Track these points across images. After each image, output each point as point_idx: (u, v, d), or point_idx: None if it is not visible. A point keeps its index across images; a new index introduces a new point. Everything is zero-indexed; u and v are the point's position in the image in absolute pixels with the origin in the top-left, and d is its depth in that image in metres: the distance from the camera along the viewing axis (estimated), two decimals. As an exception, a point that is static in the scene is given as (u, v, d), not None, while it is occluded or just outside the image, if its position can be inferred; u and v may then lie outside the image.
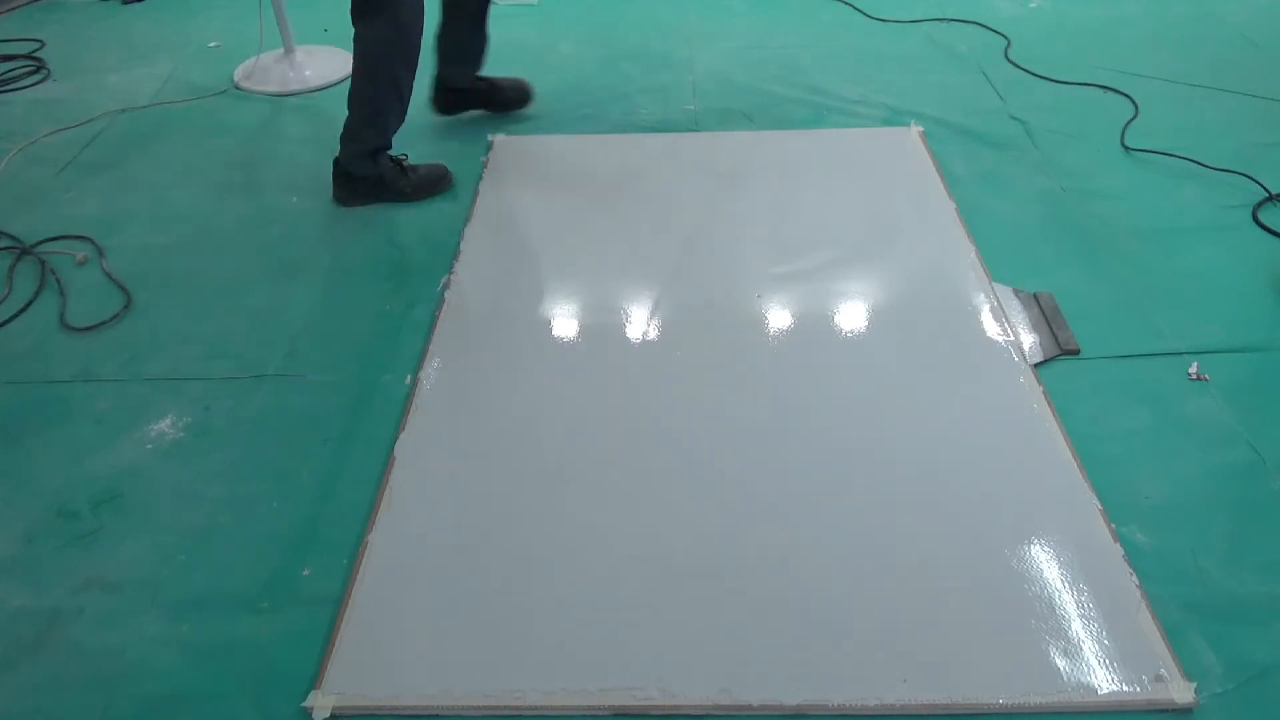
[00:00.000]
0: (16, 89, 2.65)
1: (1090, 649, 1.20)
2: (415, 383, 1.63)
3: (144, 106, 2.55)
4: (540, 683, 1.19)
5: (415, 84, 2.09)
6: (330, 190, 2.13)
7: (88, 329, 1.79)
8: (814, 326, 1.73)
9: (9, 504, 1.46)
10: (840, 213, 2.04)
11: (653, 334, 1.73)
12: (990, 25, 2.83)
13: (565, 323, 1.76)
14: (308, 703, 1.17)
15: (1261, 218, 1.99)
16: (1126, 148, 2.25)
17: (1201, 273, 1.85)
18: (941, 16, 2.91)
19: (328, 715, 1.16)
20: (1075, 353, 1.66)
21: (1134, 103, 2.41)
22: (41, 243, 2.01)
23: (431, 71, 2.33)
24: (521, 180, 2.19)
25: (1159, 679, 1.17)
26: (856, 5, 2.98)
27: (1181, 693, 1.16)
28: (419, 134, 2.39)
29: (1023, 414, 1.54)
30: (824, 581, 1.30)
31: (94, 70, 2.74)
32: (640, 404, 1.59)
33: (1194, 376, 1.62)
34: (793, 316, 1.76)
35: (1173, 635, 1.22)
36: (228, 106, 2.56)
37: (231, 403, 1.62)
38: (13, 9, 3.11)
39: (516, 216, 2.07)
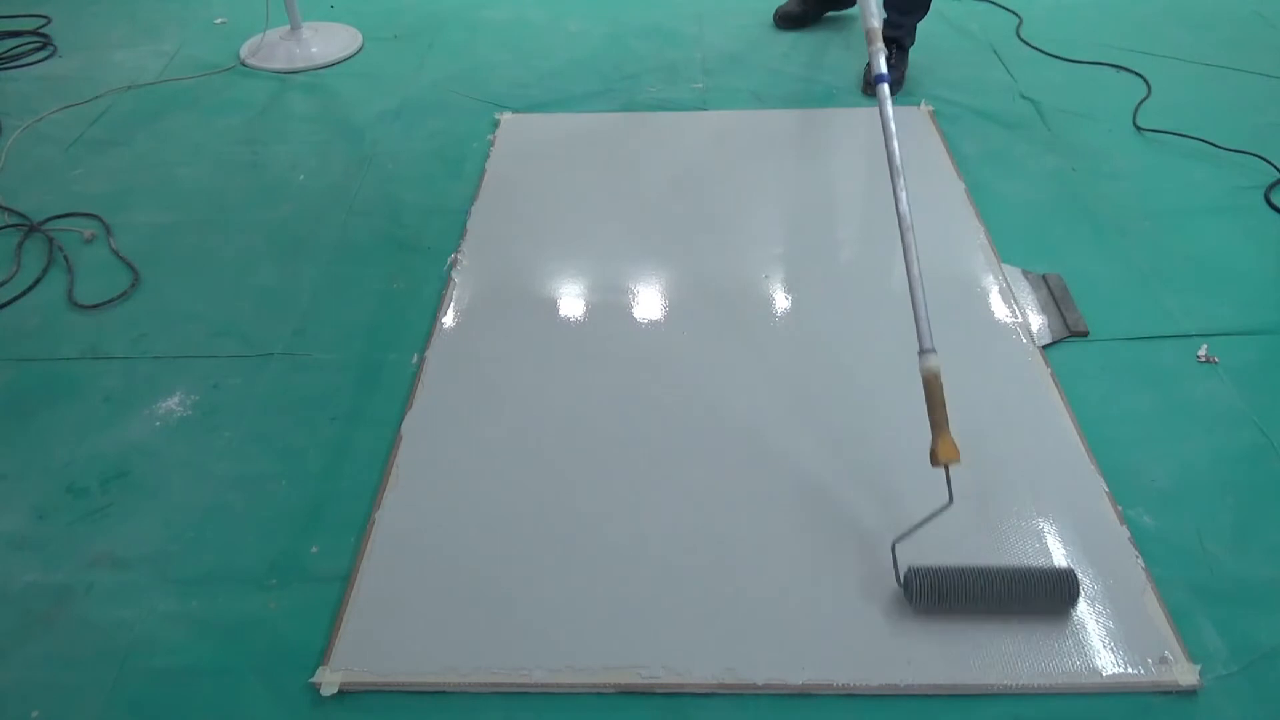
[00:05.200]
0: (23, 66, 2.65)
1: (1095, 630, 1.21)
2: (422, 361, 1.64)
3: (151, 83, 2.54)
4: (546, 661, 1.19)
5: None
6: (335, 171, 2.13)
7: (96, 307, 1.79)
8: (821, 307, 1.73)
9: (19, 480, 1.47)
10: (849, 192, 2.03)
11: (659, 313, 1.72)
12: (1002, 3, 2.80)
13: (572, 302, 1.76)
14: (315, 679, 1.18)
15: (1274, 199, 1.97)
16: (1138, 128, 2.23)
17: (1212, 255, 1.84)
18: (953, -6, 2.88)
19: (335, 691, 1.17)
20: (1084, 334, 1.66)
21: (1146, 82, 2.38)
22: (49, 220, 2.01)
23: None
24: (529, 159, 2.18)
25: (1164, 661, 1.17)
26: (867, -17, 2.95)
27: (1186, 675, 1.16)
28: (428, 111, 2.38)
29: (1031, 396, 1.53)
30: (829, 562, 1.30)
31: (100, 47, 2.73)
32: (647, 383, 1.58)
33: (1203, 359, 1.61)
34: (800, 296, 1.75)
35: (1178, 617, 1.22)
36: (234, 84, 2.55)
37: (239, 381, 1.63)
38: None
39: (524, 195, 2.06)
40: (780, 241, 1.89)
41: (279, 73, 2.59)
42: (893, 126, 1.46)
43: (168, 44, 2.74)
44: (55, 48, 2.73)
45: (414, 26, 2.80)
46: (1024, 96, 2.37)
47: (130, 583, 1.32)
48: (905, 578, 1.23)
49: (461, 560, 1.32)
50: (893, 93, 2.14)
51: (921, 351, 1.31)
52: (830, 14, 2.77)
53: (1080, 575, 1.25)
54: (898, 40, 2.38)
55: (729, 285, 1.79)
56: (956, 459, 1.25)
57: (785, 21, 2.73)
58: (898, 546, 1.26)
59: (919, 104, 2.33)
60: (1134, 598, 1.24)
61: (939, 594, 1.20)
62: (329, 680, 1.18)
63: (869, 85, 2.39)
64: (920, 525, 1.25)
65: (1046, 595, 1.21)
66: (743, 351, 1.64)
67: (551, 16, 2.85)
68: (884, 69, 1.54)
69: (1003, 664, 1.18)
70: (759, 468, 1.43)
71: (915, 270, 1.38)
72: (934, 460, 1.26)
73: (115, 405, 1.59)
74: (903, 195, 1.41)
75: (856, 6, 2.44)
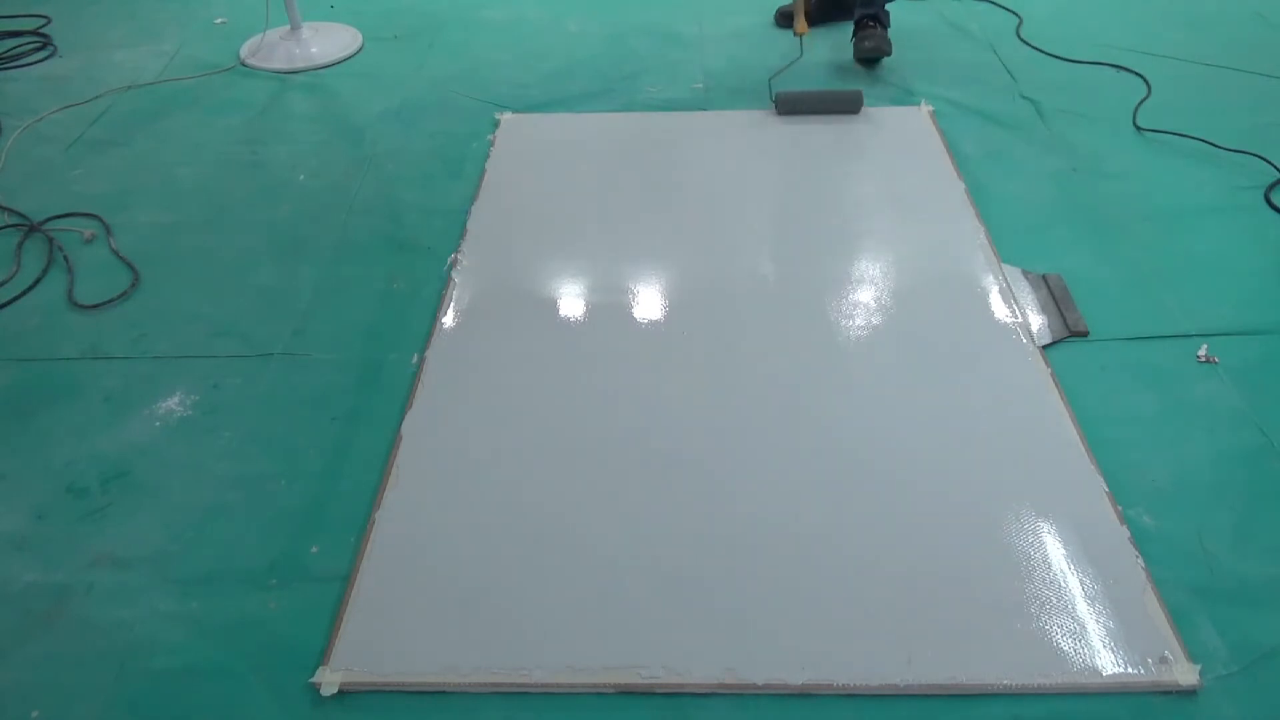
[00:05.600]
0: (23, 65, 2.65)
1: (1095, 630, 1.21)
2: (422, 362, 1.64)
3: (151, 83, 2.54)
4: (546, 661, 1.19)
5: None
6: (335, 171, 2.13)
7: (96, 307, 1.79)
8: (821, 307, 1.72)
9: (19, 480, 1.47)
10: (849, 192, 2.03)
11: (660, 313, 1.72)
12: (1002, 3, 2.80)
13: (572, 302, 1.76)
14: (315, 679, 1.18)
15: (1274, 199, 1.97)
16: (1138, 128, 2.23)
17: (1212, 255, 1.84)
18: (953, -6, 2.89)
19: (335, 691, 1.17)
20: (1084, 334, 1.66)
21: (1146, 82, 2.38)
22: (49, 220, 2.01)
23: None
24: (529, 159, 2.18)
25: (1164, 661, 1.17)
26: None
27: (1186, 675, 1.16)
28: (428, 111, 2.39)
29: (1030, 396, 1.53)
30: (830, 561, 1.30)
31: (100, 47, 2.73)
32: (646, 382, 1.58)
33: (1203, 359, 1.61)
34: (800, 297, 1.75)
35: (1178, 617, 1.22)
36: (234, 84, 2.55)
37: (239, 381, 1.63)
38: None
39: (523, 195, 2.06)
40: (781, 241, 1.89)
41: (279, 73, 2.59)
42: None
43: (168, 44, 2.74)
44: (55, 48, 2.73)
45: (414, 26, 2.80)
46: (1024, 96, 2.37)
47: (130, 583, 1.32)
48: (775, 97, 2.26)
49: (461, 560, 1.32)
50: (883, 53, 2.48)
51: None
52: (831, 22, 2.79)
53: (1079, 574, 1.25)
54: (875, 17, 2.49)
55: (729, 285, 1.79)
56: (806, 32, 2.34)
57: (786, 20, 2.73)
58: (772, 81, 2.33)
59: (919, 104, 2.33)
60: (1134, 598, 1.24)
61: (792, 103, 2.23)
62: (329, 680, 1.18)
63: (861, 44, 2.50)
64: (781, 71, 2.35)
65: (848, 101, 2.23)
66: (742, 351, 1.64)
67: (551, 16, 2.85)
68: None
69: (1003, 664, 1.18)
70: (759, 467, 1.43)
71: None
72: (795, 33, 2.35)
73: (115, 405, 1.59)
74: None
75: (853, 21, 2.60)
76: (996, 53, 2.58)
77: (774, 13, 2.78)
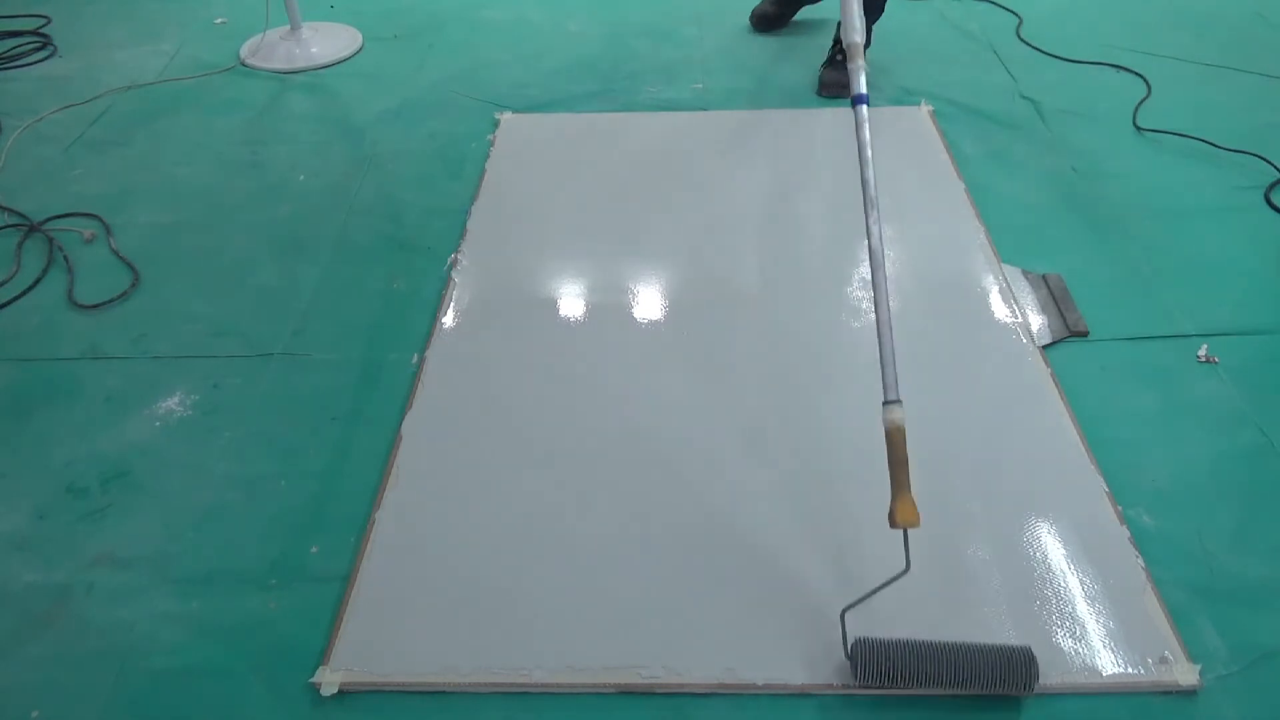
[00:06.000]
0: (23, 65, 2.64)
1: (1095, 631, 1.21)
2: (422, 362, 1.64)
3: (151, 83, 2.54)
4: (546, 661, 1.19)
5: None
6: (335, 172, 2.13)
7: (96, 307, 1.79)
8: (821, 307, 1.72)
9: (19, 480, 1.47)
10: (848, 192, 2.02)
11: (659, 313, 1.73)
12: (1002, 3, 2.80)
13: (572, 302, 1.76)
14: (315, 679, 1.18)
15: (1274, 199, 1.97)
16: (1138, 128, 2.23)
17: (1212, 255, 1.84)
18: (953, -6, 2.89)
19: (335, 691, 1.17)
20: (1084, 334, 1.66)
21: (1146, 82, 2.38)
22: (49, 220, 2.01)
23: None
24: (528, 159, 2.18)
25: (1164, 661, 1.17)
26: (867, -18, 2.96)
27: (1186, 675, 1.16)
28: (428, 111, 2.39)
29: (1030, 396, 1.53)
30: (829, 561, 1.30)
31: (100, 47, 2.73)
32: (647, 383, 1.58)
33: (1203, 359, 1.61)
34: (800, 296, 1.75)
35: (1178, 618, 1.22)
36: (234, 84, 2.55)
37: (239, 381, 1.63)
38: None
39: (523, 195, 2.06)
40: (781, 241, 1.89)
41: (279, 73, 2.59)
42: (869, 153, 1.31)
43: (168, 44, 2.74)
44: (55, 48, 2.73)
45: (414, 26, 2.80)
46: (1024, 96, 2.37)
47: (130, 583, 1.32)
48: (851, 650, 1.15)
49: (461, 560, 1.32)
50: (843, 97, 2.18)
51: (886, 403, 1.19)
52: (802, 16, 2.74)
53: (1079, 574, 1.25)
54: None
55: (729, 285, 1.79)
56: (916, 523, 1.13)
57: (761, 23, 2.72)
58: (847, 616, 1.18)
59: (919, 104, 2.33)
60: (1134, 598, 1.24)
61: (887, 671, 1.12)
62: (329, 680, 1.18)
63: (825, 88, 2.39)
64: (873, 593, 1.16)
65: (1002, 679, 1.12)
66: (742, 351, 1.64)
67: (551, 16, 2.85)
68: (864, 89, 1.38)
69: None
70: (760, 467, 1.44)
71: (885, 313, 1.24)
72: (892, 523, 1.14)
73: (115, 405, 1.59)
74: (875, 230, 1.27)
75: (825, 4, 2.45)
76: (996, 53, 2.58)
77: (749, 15, 2.74)
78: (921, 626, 1.21)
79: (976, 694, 1.13)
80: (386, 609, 1.26)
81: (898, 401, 1.18)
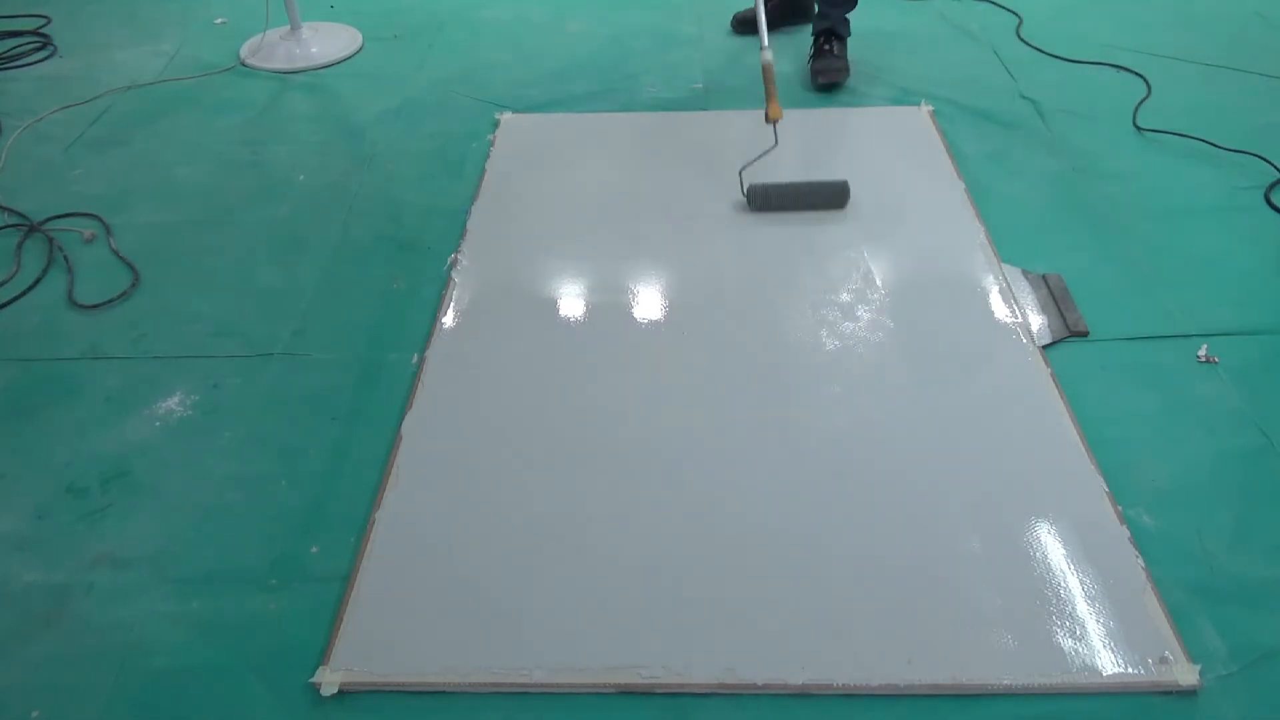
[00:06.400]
0: (23, 65, 2.65)
1: (1095, 631, 1.21)
2: (422, 362, 1.64)
3: (151, 83, 2.54)
4: (546, 661, 1.19)
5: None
6: (335, 171, 2.13)
7: (96, 307, 1.79)
8: (820, 307, 1.72)
9: (19, 481, 1.47)
10: (850, 192, 2.02)
11: (660, 313, 1.72)
12: (1002, 3, 2.80)
13: (572, 302, 1.76)
14: (315, 679, 1.18)
15: (1274, 199, 1.97)
16: (1138, 128, 2.23)
17: (1212, 255, 1.84)
18: (953, -6, 2.89)
19: (335, 691, 1.17)
20: (1084, 334, 1.66)
21: (1146, 82, 2.38)
22: (49, 220, 2.01)
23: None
24: (529, 159, 2.18)
25: (1164, 661, 1.17)
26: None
27: (1186, 675, 1.16)
28: (428, 111, 2.39)
29: (1030, 396, 1.53)
30: (830, 561, 1.30)
31: (100, 47, 2.73)
32: (647, 383, 1.58)
33: (1203, 359, 1.61)
34: (799, 296, 1.75)
35: (1178, 618, 1.22)
36: (234, 84, 2.55)
37: (239, 381, 1.63)
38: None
39: (523, 195, 2.06)
40: (781, 241, 1.89)
41: (279, 73, 2.59)
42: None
43: (168, 44, 2.74)
44: (55, 48, 2.73)
45: (414, 26, 2.81)
46: (1024, 96, 2.37)
47: (130, 583, 1.32)
48: (748, 191, 1.95)
49: (461, 560, 1.32)
50: (839, 82, 2.41)
51: (762, 49, 1.98)
52: (791, 27, 2.75)
53: (1079, 574, 1.26)
54: (833, 31, 2.42)
55: (728, 284, 1.79)
56: (780, 116, 1.95)
57: (743, 27, 2.71)
58: (743, 172, 1.96)
59: (919, 104, 2.33)
60: (1134, 598, 1.24)
61: (768, 202, 1.94)
62: (329, 680, 1.18)
63: (818, 75, 2.41)
64: (755, 160, 1.96)
65: (828, 201, 1.94)
66: (742, 351, 1.64)
67: (551, 16, 2.85)
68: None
69: (1003, 664, 1.18)
70: (760, 466, 1.43)
71: None
72: (767, 119, 1.95)
73: (115, 405, 1.59)
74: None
75: (811, 24, 2.50)
76: (996, 53, 2.58)
77: (730, 19, 2.74)
78: (922, 626, 1.22)
79: (819, 209, 1.93)
80: (386, 609, 1.26)
81: (768, 48, 1.99)
